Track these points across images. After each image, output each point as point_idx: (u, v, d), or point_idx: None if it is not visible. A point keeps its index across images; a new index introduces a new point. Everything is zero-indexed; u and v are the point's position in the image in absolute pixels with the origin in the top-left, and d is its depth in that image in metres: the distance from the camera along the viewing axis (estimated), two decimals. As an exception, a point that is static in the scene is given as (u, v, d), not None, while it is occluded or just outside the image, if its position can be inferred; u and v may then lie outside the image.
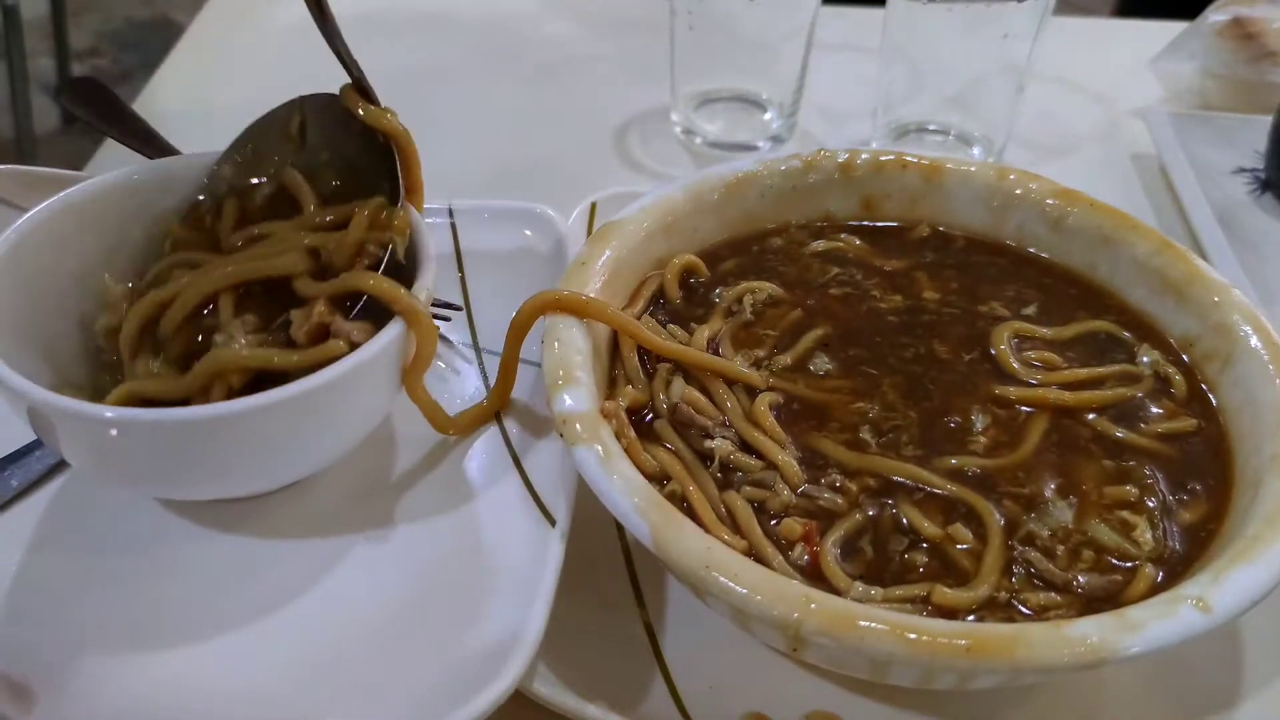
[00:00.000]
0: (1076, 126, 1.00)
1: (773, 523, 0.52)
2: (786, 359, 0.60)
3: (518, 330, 0.57)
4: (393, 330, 0.52)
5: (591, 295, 0.58)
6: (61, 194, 0.58)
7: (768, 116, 0.95)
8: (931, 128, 0.93)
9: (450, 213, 0.72)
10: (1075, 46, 1.06)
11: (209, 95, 1.00)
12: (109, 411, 0.47)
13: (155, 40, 3.16)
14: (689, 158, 0.94)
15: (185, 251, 0.59)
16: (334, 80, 1.00)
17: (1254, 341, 0.58)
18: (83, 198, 0.58)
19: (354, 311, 0.54)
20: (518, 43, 1.10)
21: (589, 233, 0.76)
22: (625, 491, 0.49)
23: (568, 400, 0.53)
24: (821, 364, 0.60)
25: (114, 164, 0.81)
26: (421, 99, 1.01)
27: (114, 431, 0.48)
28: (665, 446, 0.55)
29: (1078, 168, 0.95)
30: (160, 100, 0.98)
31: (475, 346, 0.67)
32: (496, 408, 0.61)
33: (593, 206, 0.76)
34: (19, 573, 0.53)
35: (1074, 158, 0.96)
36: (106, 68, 3.07)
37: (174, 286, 0.55)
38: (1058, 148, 0.97)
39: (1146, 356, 0.61)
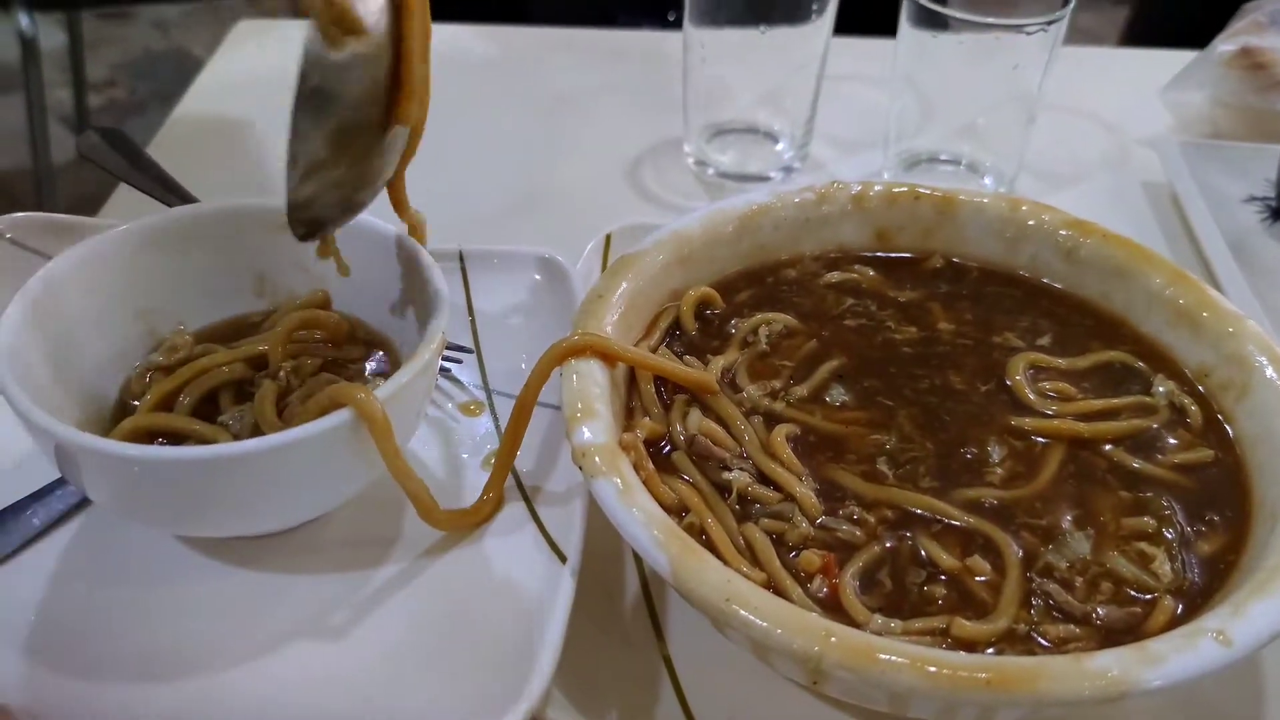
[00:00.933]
0: (1088, 155, 1.00)
1: (791, 555, 0.53)
2: (803, 390, 0.61)
3: (540, 379, 0.57)
4: (333, 419, 0.51)
5: (609, 329, 0.59)
6: (90, 240, 0.59)
7: (780, 147, 0.96)
8: (943, 157, 0.94)
9: (461, 256, 0.72)
10: (1085, 75, 1.07)
11: (224, 138, 1.01)
12: (132, 449, 0.48)
13: (171, 72, 3.20)
14: (702, 189, 0.94)
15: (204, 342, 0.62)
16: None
17: (1269, 372, 0.58)
18: (110, 244, 0.60)
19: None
20: (531, 75, 1.11)
21: (604, 264, 0.77)
22: (644, 524, 0.49)
23: (586, 433, 0.53)
24: (838, 395, 0.61)
25: (130, 207, 0.83)
26: (435, 131, 1.02)
27: (136, 469, 0.48)
28: (683, 478, 0.56)
29: (1089, 197, 0.95)
30: (176, 142, 0.99)
31: (486, 389, 0.67)
32: (493, 510, 0.59)
33: (607, 238, 0.77)
34: (41, 609, 0.54)
35: (1085, 187, 0.96)
36: (123, 99, 3.10)
37: (180, 376, 0.59)
38: (1069, 177, 0.97)
39: (1162, 387, 0.61)
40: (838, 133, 1.00)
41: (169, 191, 0.75)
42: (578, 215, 0.92)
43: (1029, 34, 0.82)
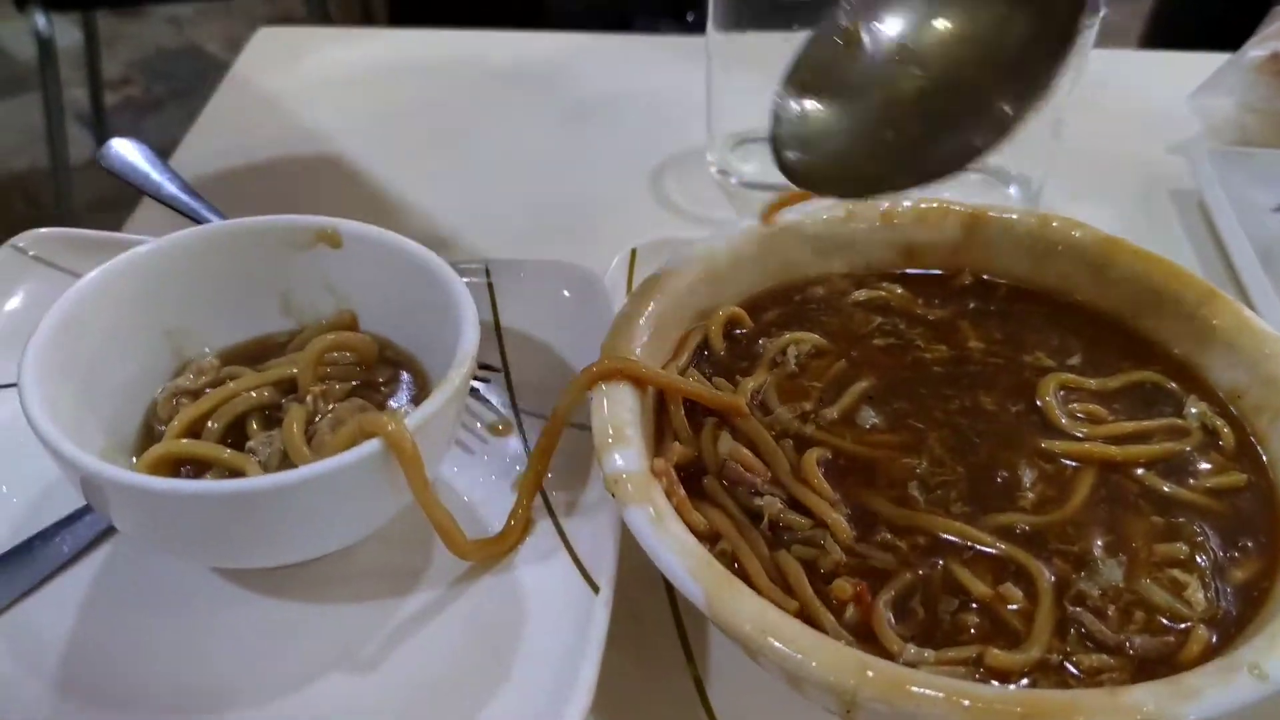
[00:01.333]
0: (1115, 161, 1.00)
1: (825, 582, 0.52)
2: (833, 412, 0.60)
3: (569, 406, 0.57)
4: (362, 451, 0.51)
5: (639, 351, 0.59)
6: (115, 260, 0.59)
7: (804, 156, 0.95)
8: (970, 165, 0.93)
9: (487, 271, 0.72)
10: (1112, 78, 1.06)
11: (246, 147, 1.01)
12: (159, 484, 0.48)
13: (186, 70, 3.21)
14: (725, 199, 0.94)
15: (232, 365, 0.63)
16: (372, 130, 1.02)
17: (1305, 396, 0.58)
18: (134, 264, 0.60)
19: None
20: (552, 83, 1.11)
21: (629, 279, 0.77)
22: (678, 553, 0.49)
23: (619, 460, 0.53)
24: (868, 417, 0.60)
25: (152, 222, 0.83)
26: (457, 142, 1.02)
27: (163, 503, 0.49)
28: (715, 504, 0.56)
29: (1117, 204, 0.95)
30: (198, 154, 0.99)
31: (514, 408, 0.67)
32: (520, 536, 0.59)
33: (633, 253, 0.77)
34: (70, 638, 0.54)
35: (1113, 194, 0.96)
36: (138, 97, 3.12)
37: (208, 402, 0.59)
38: (1096, 184, 0.97)
39: (1194, 408, 0.60)
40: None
41: (193, 203, 0.75)
42: (602, 226, 0.92)
43: (1057, 45, 0.82)
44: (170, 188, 0.75)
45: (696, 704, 0.55)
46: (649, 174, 0.98)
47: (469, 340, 0.56)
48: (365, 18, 2.67)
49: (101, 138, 2.90)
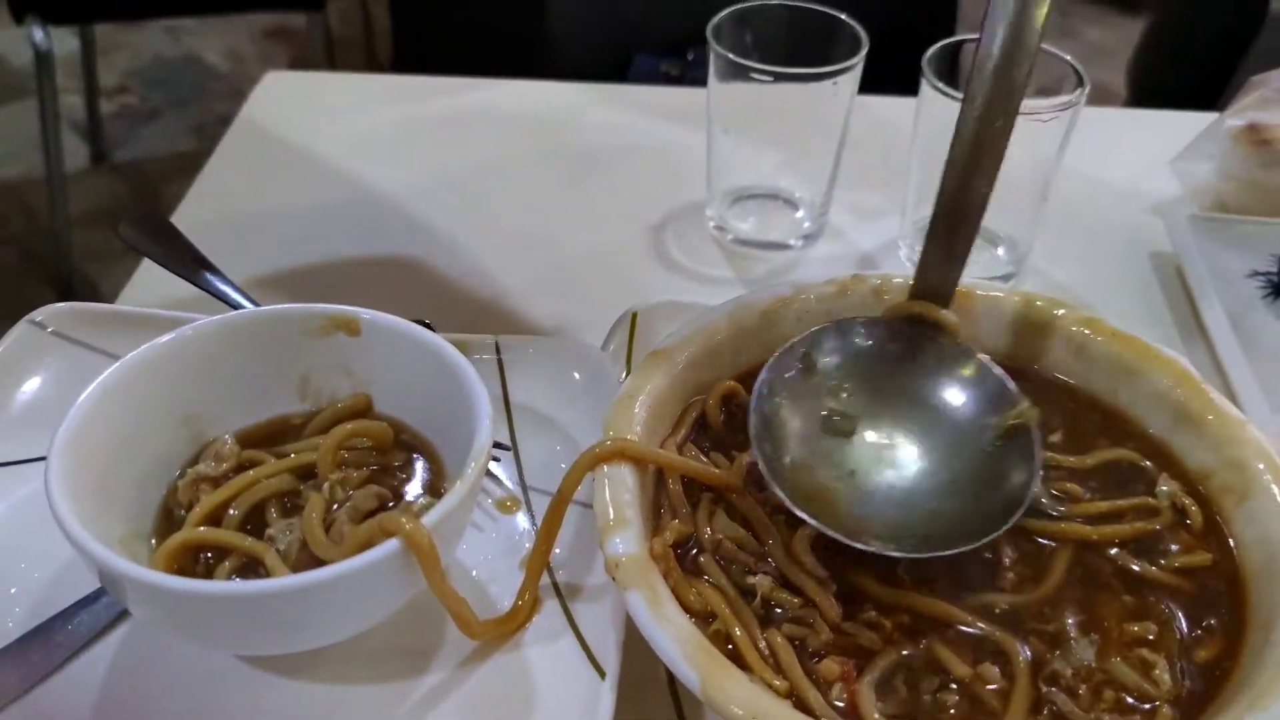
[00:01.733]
0: (1099, 223, 1.03)
1: (814, 659, 0.55)
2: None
3: (572, 486, 0.60)
4: (381, 551, 0.53)
5: (639, 429, 0.62)
6: (138, 352, 0.61)
7: (799, 215, 0.99)
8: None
9: (497, 348, 0.74)
10: (1097, 139, 1.08)
11: (252, 200, 1.04)
12: (180, 584, 0.51)
13: (184, 79, 3.23)
14: (723, 256, 0.97)
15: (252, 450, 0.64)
16: (377, 182, 1.04)
17: (1267, 479, 0.61)
18: (157, 355, 0.62)
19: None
20: (558, 133, 1.13)
21: (630, 343, 0.80)
22: (675, 639, 0.52)
23: (620, 544, 0.56)
24: (857, 494, 0.63)
25: (153, 284, 0.85)
26: (463, 191, 1.05)
27: (183, 601, 0.51)
28: (710, 581, 0.59)
29: (1099, 266, 0.98)
30: (206, 210, 1.01)
31: (523, 484, 0.69)
32: (528, 615, 0.61)
33: (634, 317, 0.80)
34: None
35: (1096, 256, 0.99)
36: (135, 105, 3.13)
37: (228, 490, 0.61)
38: (1080, 245, 1.00)
39: (1165, 486, 0.63)
40: (856, 199, 1.03)
41: (207, 274, 0.78)
42: (603, 281, 0.95)
43: (1044, 121, 0.85)
44: (185, 259, 0.78)
45: (690, 769, 0.58)
46: (651, 228, 1.00)
47: (484, 435, 0.58)
48: (370, 60, 2.69)
49: (97, 146, 2.93)
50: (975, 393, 0.65)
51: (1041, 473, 0.62)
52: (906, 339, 0.67)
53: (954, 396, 0.65)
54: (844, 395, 0.65)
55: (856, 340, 0.67)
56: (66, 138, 2.62)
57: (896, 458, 0.64)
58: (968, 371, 0.65)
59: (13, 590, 0.61)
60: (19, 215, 2.76)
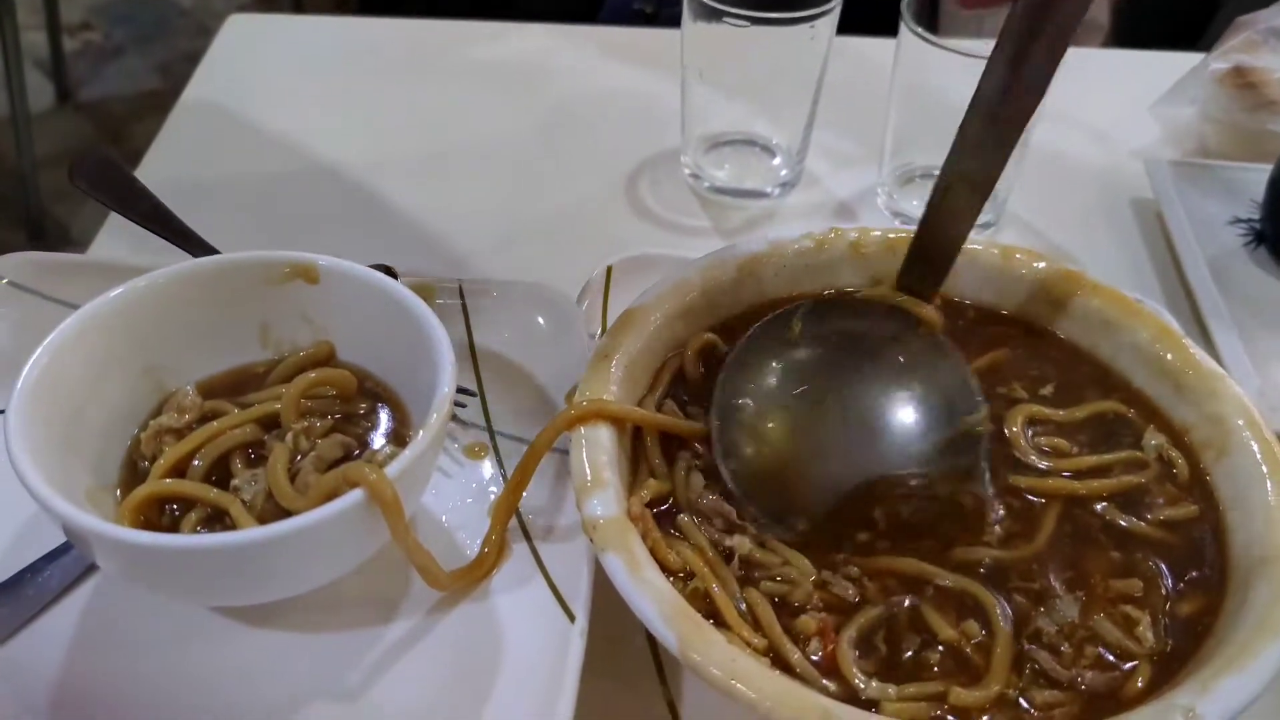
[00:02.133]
0: (1078, 169, 1.02)
1: (796, 616, 0.55)
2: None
3: (544, 447, 0.59)
4: (345, 502, 0.53)
5: (614, 388, 0.61)
6: (94, 303, 0.60)
7: (776, 162, 0.97)
8: (938, 173, 0.95)
9: (461, 291, 0.73)
10: (1077, 81, 1.07)
11: (218, 147, 1.01)
12: (146, 538, 0.50)
13: (148, 15, 3.15)
14: (699, 205, 0.96)
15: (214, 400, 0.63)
16: (345, 125, 1.02)
17: (1246, 436, 0.60)
18: (114, 305, 0.61)
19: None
20: (529, 77, 1.11)
21: (605, 296, 0.78)
22: (653, 599, 0.52)
23: (597, 506, 0.55)
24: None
25: (121, 236, 0.83)
26: (433, 137, 1.02)
27: (149, 556, 0.51)
28: (688, 541, 0.58)
29: (1079, 214, 0.97)
30: (169, 160, 0.99)
31: (490, 431, 0.68)
32: (494, 563, 0.61)
33: (609, 271, 0.79)
34: (60, 675, 0.56)
35: (1075, 203, 0.98)
36: (98, 42, 3.06)
37: (192, 441, 0.60)
38: (1060, 193, 0.99)
39: (1153, 439, 0.63)
40: (833, 145, 1.01)
41: (164, 226, 0.76)
42: (577, 231, 0.93)
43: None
44: (141, 207, 0.75)
45: (668, 722, 0.58)
46: (624, 176, 0.99)
47: (445, 384, 0.57)
48: (337, 1, 2.63)
49: (61, 85, 2.86)
50: (941, 391, 0.64)
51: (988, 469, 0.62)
52: (886, 324, 0.67)
53: (921, 390, 0.64)
54: (810, 375, 0.65)
55: (834, 320, 0.67)
56: (30, 75, 2.55)
57: (852, 439, 0.63)
58: (938, 368, 0.65)
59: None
60: (-15, 159, 2.70)
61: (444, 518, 0.64)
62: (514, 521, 0.63)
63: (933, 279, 0.67)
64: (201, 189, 0.94)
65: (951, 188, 0.63)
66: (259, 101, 1.05)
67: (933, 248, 0.65)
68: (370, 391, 0.65)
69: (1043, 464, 0.62)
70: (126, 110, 2.85)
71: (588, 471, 0.56)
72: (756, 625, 0.55)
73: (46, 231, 2.41)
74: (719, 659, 0.50)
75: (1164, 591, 0.57)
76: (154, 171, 0.96)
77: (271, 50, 1.12)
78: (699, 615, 0.52)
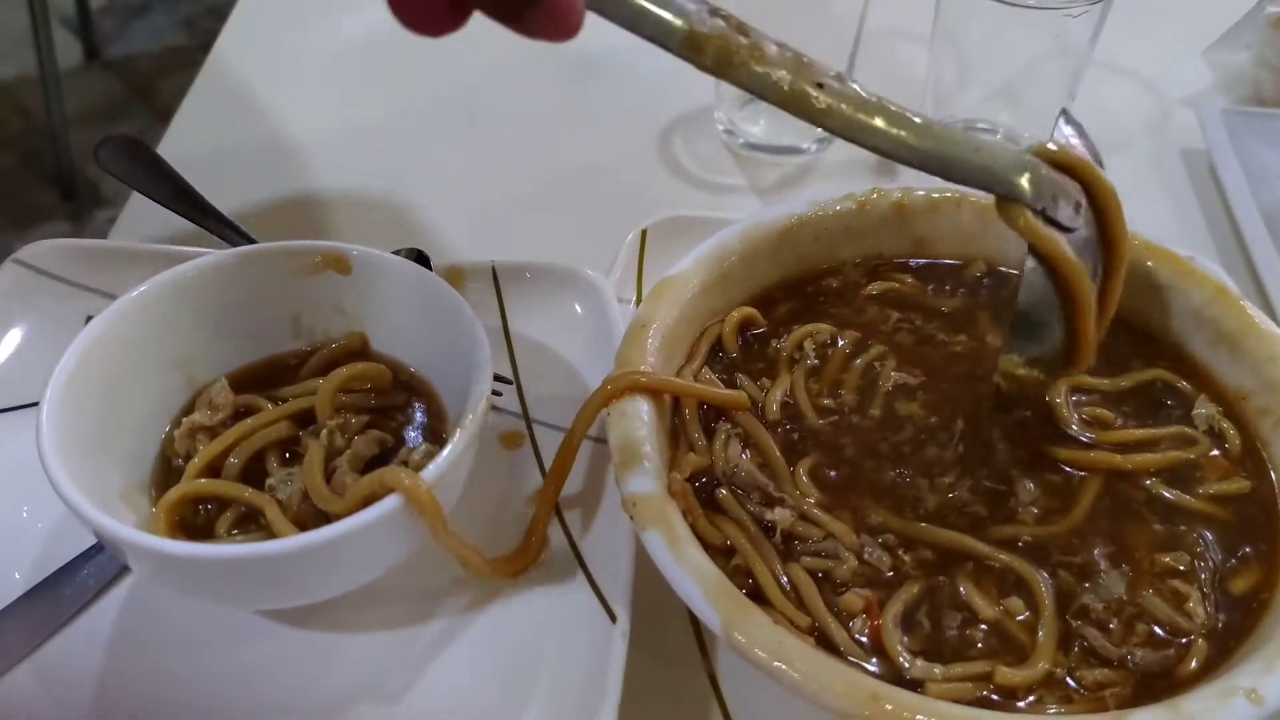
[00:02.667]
0: (1126, 118, 0.98)
1: (839, 592, 0.54)
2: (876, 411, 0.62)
3: (584, 425, 0.58)
4: (382, 508, 0.52)
5: (651, 359, 0.60)
6: (123, 300, 0.59)
7: (813, 116, 0.94)
8: (980, 125, 0.92)
9: (494, 275, 0.72)
10: (1126, 27, 1.03)
11: (239, 123, 0.99)
12: (180, 548, 0.50)
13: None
14: (734, 163, 0.93)
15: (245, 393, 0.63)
16: (370, 97, 1.00)
17: (1310, 401, 0.58)
18: (143, 300, 0.60)
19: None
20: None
21: (640, 261, 0.77)
22: (696, 579, 0.51)
23: (635, 482, 0.54)
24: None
25: (144, 216, 0.82)
26: (462, 104, 1.00)
27: (183, 564, 0.50)
28: (729, 516, 0.57)
29: (1128, 165, 0.94)
30: (191, 136, 0.97)
31: (526, 419, 0.67)
32: (537, 553, 0.59)
33: (644, 235, 0.77)
34: (99, 676, 0.55)
35: (1124, 153, 0.95)
36: (125, 0, 3.04)
37: (226, 440, 0.59)
38: (1107, 144, 0.95)
39: (1203, 409, 0.61)
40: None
41: (189, 206, 0.75)
42: (611, 193, 0.91)
43: (1074, 16, 0.80)
44: (166, 187, 0.75)
45: (711, 700, 0.57)
46: (658, 134, 0.96)
47: (482, 383, 0.56)
48: None
49: (89, 43, 2.85)
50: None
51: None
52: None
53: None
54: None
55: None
56: (58, 34, 2.54)
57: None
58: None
59: (20, 541, 0.60)
60: (15, 116, 2.70)
61: (481, 508, 0.63)
62: (553, 517, 0.62)
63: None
64: (221, 165, 0.92)
65: None
66: (279, 74, 1.03)
67: None
68: (405, 384, 0.64)
69: (1086, 436, 0.61)
70: (153, 67, 2.83)
71: (626, 447, 0.55)
72: (799, 603, 0.54)
73: (78, 190, 2.42)
74: (764, 640, 0.49)
75: (1213, 565, 0.55)
76: (180, 138, 0.94)
77: (293, 16, 1.10)
78: (742, 594, 0.51)
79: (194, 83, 1.02)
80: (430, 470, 0.53)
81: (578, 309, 0.71)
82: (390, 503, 0.51)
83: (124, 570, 0.59)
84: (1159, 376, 0.63)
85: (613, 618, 0.55)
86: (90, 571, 0.58)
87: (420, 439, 0.61)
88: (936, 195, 0.69)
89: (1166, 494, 0.58)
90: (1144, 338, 0.65)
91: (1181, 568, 0.55)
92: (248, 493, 0.56)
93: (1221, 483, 0.58)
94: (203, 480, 0.57)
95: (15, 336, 0.68)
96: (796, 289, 0.69)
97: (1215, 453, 0.60)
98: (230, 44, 1.07)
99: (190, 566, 0.51)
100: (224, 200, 0.77)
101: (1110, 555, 0.56)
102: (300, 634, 0.57)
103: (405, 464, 0.58)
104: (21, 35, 2.46)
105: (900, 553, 0.55)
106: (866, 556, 0.55)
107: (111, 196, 2.40)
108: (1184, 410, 0.62)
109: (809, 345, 0.65)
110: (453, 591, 0.59)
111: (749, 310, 0.66)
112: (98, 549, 0.59)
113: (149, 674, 0.56)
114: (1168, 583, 0.55)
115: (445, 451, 0.54)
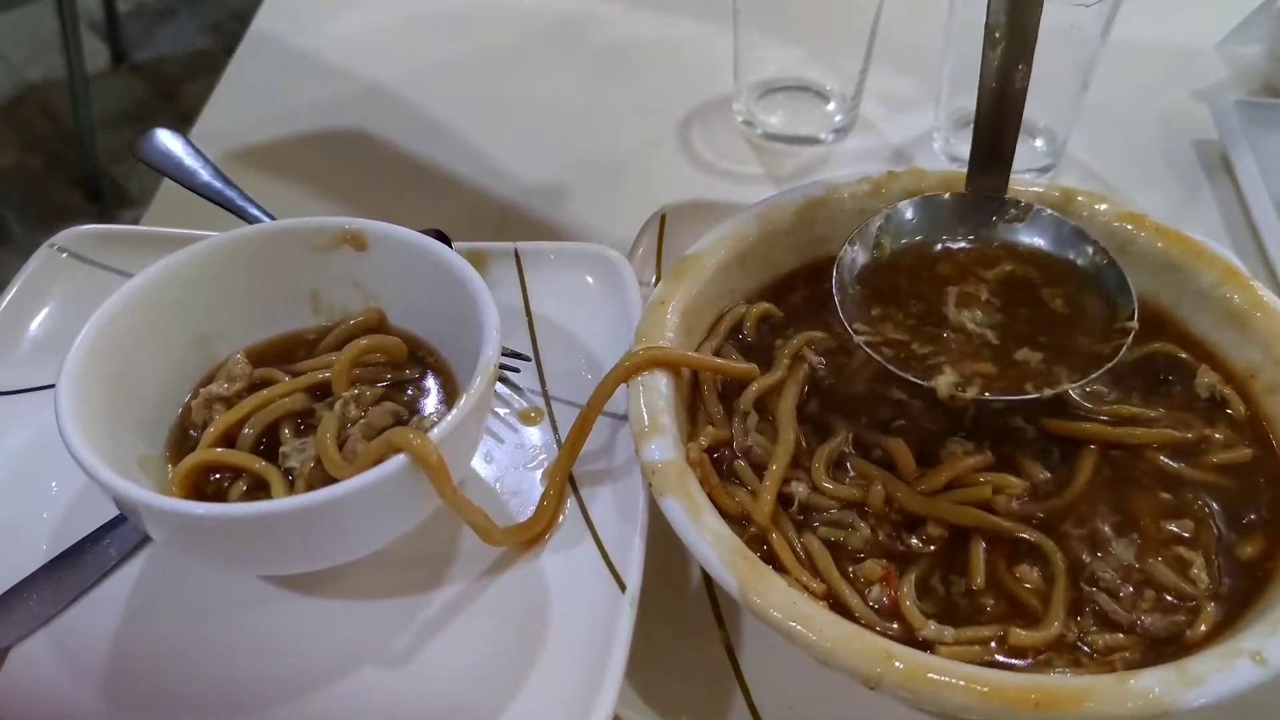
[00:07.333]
0: (1139, 110, 0.99)
1: (855, 562, 0.56)
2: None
3: (603, 398, 0.59)
4: (389, 467, 0.53)
5: (671, 335, 0.61)
6: (146, 273, 0.61)
7: (830, 107, 0.96)
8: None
9: (517, 256, 0.73)
10: (1139, 19, 1.04)
11: (269, 111, 1.01)
12: (192, 508, 0.51)
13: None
14: (751, 152, 0.95)
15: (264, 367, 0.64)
16: (396, 86, 1.02)
17: (1318, 379, 0.59)
18: (165, 275, 0.62)
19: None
20: (580, 29, 1.10)
21: (659, 243, 0.78)
22: (713, 544, 0.52)
23: (655, 451, 0.56)
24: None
25: (176, 199, 0.84)
26: (484, 94, 1.02)
27: (194, 524, 0.52)
28: (746, 488, 0.58)
29: (1140, 156, 0.95)
30: (220, 123, 0.99)
31: (545, 396, 0.68)
32: (549, 524, 0.60)
33: (662, 218, 0.78)
34: (115, 643, 0.57)
35: (1136, 145, 0.96)
36: (151, 3, 3.07)
37: (241, 410, 0.61)
38: (1120, 135, 0.97)
39: (1206, 378, 0.62)
40: (888, 88, 1.00)
41: (225, 189, 0.77)
42: (630, 180, 0.93)
43: (1087, 6, 0.82)
44: (204, 176, 0.76)
45: (727, 669, 0.58)
46: (676, 124, 0.98)
47: (490, 348, 0.57)
48: None
49: (116, 46, 2.89)
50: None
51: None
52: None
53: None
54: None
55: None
56: (85, 38, 2.57)
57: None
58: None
59: (44, 514, 0.61)
60: (42, 119, 2.74)
61: (497, 483, 0.64)
62: (567, 488, 0.62)
63: (1000, 169, 0.66)
64: (251, 151, 0.94)
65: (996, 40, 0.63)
66: (307, 62, 1.06)
67: (995, 123, 0.65)
68: (420, 358, 0.65)
69: (1088, 408, 0.62)
70: (179, 70, 2.87)
71: (645, 417, 0.57)
72: (814, 570, 0.55)
73: (104, 192, 2.44)
74: (779, 602, 0.50)
75: (1218, 532, 0.56)
76: (204, 133, 0.96)
77: (318, 12, 1.12)
78: (758, 559, 0.52)
79: (221, 76, 1.04)
80: (438, 430, 0.54)
81: (598, 289, 0.72)
82: (396, 462, 0.52)
83: (143, 542, 0.60)
84: (1162, 349, 0.64)
85: (622, 587, 0.56)
86: (111, 541, 0.60)
87: (434, 410, 0.62)
88: (951, 178, 0.70)
89: (1171, 464, 0.59)
90: (1154, 316, 0.66)
91: (1186, 535, 0.56)
92: (258, 464, 0.58)
93: (1225, 452, 0.60)
94: (218, 450, 0.59)
95: (50, 318, 0.70)
96: (813, 275, 0.69)
97: (1217, 420, 0.61)
98: (257, 36, 1.09)
99: (195, 526, 0.52)
100: (252, 190, 0.79)
101: (1116, 524, 0.57)
102: (312, 601, 0.58)
103: None
104: (48, 40, 2.49)
105: (914, 528, 0.57)
106: (878, 531, 0.56)
107: (137, 197, 2.43)
108: (1187, 381, 0.63)
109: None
110: (463, 560, 0.59)
111: (767, 306, 0.67)
112: (119, 521, 0.60)
113: (165, 640, 0.57)
114: (1172, 549, 0.56)
115: (453, 412, 0.55)
